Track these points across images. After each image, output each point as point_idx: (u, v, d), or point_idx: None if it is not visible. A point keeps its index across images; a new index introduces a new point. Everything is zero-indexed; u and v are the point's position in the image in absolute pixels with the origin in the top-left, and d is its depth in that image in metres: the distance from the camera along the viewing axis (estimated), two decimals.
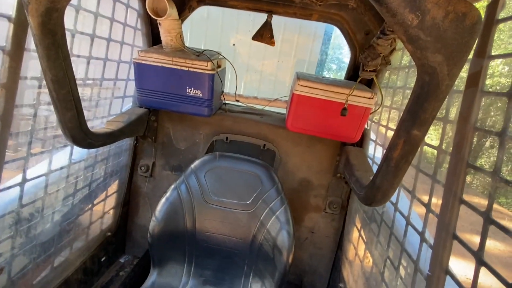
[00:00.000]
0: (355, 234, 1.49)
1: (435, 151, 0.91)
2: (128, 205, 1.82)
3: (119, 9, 1.33)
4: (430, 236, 0.85)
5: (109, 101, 1.42)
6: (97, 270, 1.60)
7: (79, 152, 1.29)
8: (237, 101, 1.88)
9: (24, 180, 1.01)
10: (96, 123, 1.33)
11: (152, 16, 1.34)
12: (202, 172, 1.43)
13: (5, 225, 0.98)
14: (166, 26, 1.42)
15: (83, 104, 0.99)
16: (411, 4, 0.55)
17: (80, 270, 1.43)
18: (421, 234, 0.89)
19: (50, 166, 1.11)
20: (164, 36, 1.46)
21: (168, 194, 1.38)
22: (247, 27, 3.75)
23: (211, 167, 1.44)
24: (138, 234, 1.88)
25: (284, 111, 1.90)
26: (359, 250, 1.39)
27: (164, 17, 1.34)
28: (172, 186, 1.40)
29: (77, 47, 1.12)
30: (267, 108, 1.89)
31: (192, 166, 1.44)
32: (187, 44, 1.56)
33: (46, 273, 1.22)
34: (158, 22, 1.40)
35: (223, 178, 1.43)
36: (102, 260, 1.62)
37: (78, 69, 1.06)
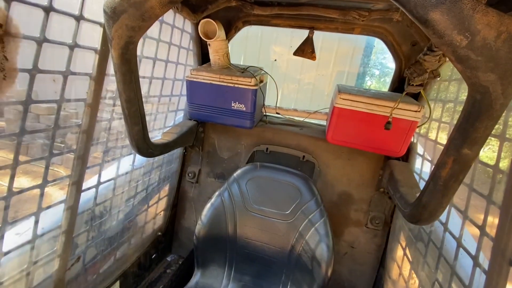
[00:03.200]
0: (399, 252, 1.43)
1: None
2: (176, 208, 1.99)
3: (176, 33, 1.50)
4: (484, 260, 0.80)
5: (164, 115, 1.60)
6: (148, 265, 1.77)
7: (138, 159, 1.47)
8: (278, 113, 1.95)
9: (99, 182, 1.20)
10: (154, 134, 1.51)
11: (203, 38, 1.49)
12: (244, 181, 1.51)
13: (83, 220, 1.18)
14: (214, 47, 1.57)
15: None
16: (460, 26, 0.55)
17: (136, 264, 1.61)
18: (475, 258, 0.84)
19: (118, 171, 1.30)
20: (212, 56, 1.60)
21: (212, 200, 1.49)
22: (285, 41, 3.84)
23: (252, 176, 1.52)
24: (183, 235, 2.03)
25: (323, 122, 1.91)
26: (403, 269, 1.33)
27: (214, 38, 1.48)
28: (217, 193, 1.50)
29: (142, 69, 1.30)
30: (306, 120, 1.92)
31: (235, 174, 1.53)
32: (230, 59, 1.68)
33: (109, 264, 1.40)
34: (208, 43, 1.55)
35: (263, 188, 1.49)
36: (153, 257, 1.80)
37: (143, 88, 1.23)
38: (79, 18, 0.93)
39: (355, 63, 3.91)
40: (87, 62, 1.04)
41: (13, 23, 0.76)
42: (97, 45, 1.02)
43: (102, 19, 0.96)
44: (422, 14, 0.57)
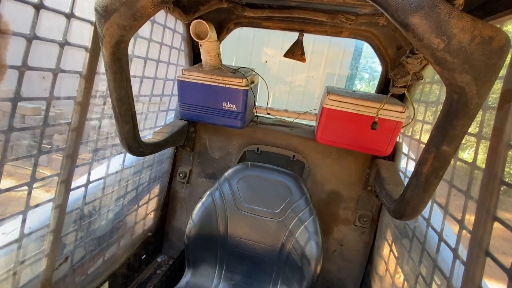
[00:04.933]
0: (386, 248, 1.47)
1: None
2: (167, 208, 1.98)
3: (167, 34, 1.51)
4: (464, 252, 0.84)
5: (155, 114, 1.60)
6: (138, 266, 1.75)
7: (129, 158, 1.46)
8: (268, 113, 1.98)
9: (88, 181, 1.19)
10: (145, 134, 1.51)
11: (194, 39, 1.51)
12: (234, 180, 1.53)
13: (72, 219, 1.16)
14: (206, 47, 1.58)
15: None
16: (437, 30, 0.59)
17: (125, 265, 1.59)
18: (454, 251, 0.88)
19: (108, 170, 1.29)
20: (204, 56, 1.61)
21: (204, 199, 1.50)
22: (277, 43, 3.90)
23: (243, 176, 1.53)
24: (174, 236, 2.02)
25: (313, 123, 1.95)
26: (389, 265, 1.37)
27: (205, 39, 1.50)
28: (208, 192, 1.51)
29: (133, 68, 1.30)
30: (297, 120, 1.95)
31: (226, 174, 1.55)
32: (221, 61, 1.70)
33: (98, 265, 1.39)
34: (199, 43, 1.56)
35: (254, 187, 1.51)
36: (142, 258, 1.78)
37: (134, 87, 1.23)
38: (70, 16, 0.93)
39: (344, 66, 4.01)
40: (76, 60, 1.04)
41: (2, 19, 0.76)
42: (88, 43, 1.02)
43: (93, 18, 0.96)
44: (403, 18, 0.60)
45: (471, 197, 0.85)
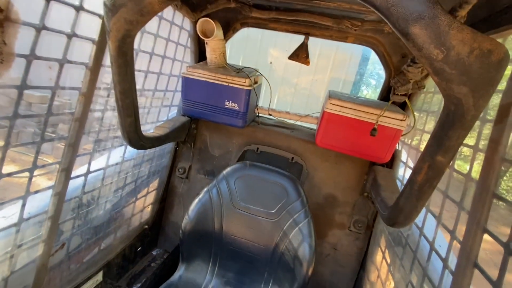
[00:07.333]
0: (379, 255, 1.47)
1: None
2: (164, 202, 2.00)
3: (174, 30, 1.53)
4: (454, 263, 0.84)
5: (158, 109, 1.62)
6: (133, 258, 1.78)
7: (129, 151, 1.48)
8: (270, 114, 1.99)
9: (88, 171, 1.21)
10: (147, 128, 1.53)
11: (200, 36, 1.52)
12: (232, 179, 1.54)
13: (70, 207, 1.18)
14: (212, 46, 1.60)
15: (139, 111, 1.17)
16: (436, 41, 0.60)
17: (120, 255, 1.61)
18: (444, 261, 0.89)
19: (108, 161, 1.31)
20: (209, 54, 1.63)
21: (201, 195, 1.51)
22: (284, 45, 3.91)
23: (241, 175, 1.55)
24: (170, 230, 2.04)
25: (314, 126, 1.96)
26: (381, 272, 1.38)
27: (211, 37, 1.51)
28: (205, 189, 1.53)
29: (138, 62, 1.32)
30: (298, 123, 1.96)
31: (224, 172, 1.56)
32: (228, 60, 1.72)
33: (94, 254, 1.41)
34: (205, 41, 1.58)
35: (251, 186, 1.52)
36: (138, 250, 1.80)
37: (138, 81, 1.25)
38: (79, 8, 0.95)
39: (351, 71, 4.00)
40: (84, 52, 1.06)
41: (13, 9, 0.78)
42: (95, 36, 1.04)
43: (101, 11, 0.98)
44: (404, 27, 0.61)
45: (463, 208, 0.86)
